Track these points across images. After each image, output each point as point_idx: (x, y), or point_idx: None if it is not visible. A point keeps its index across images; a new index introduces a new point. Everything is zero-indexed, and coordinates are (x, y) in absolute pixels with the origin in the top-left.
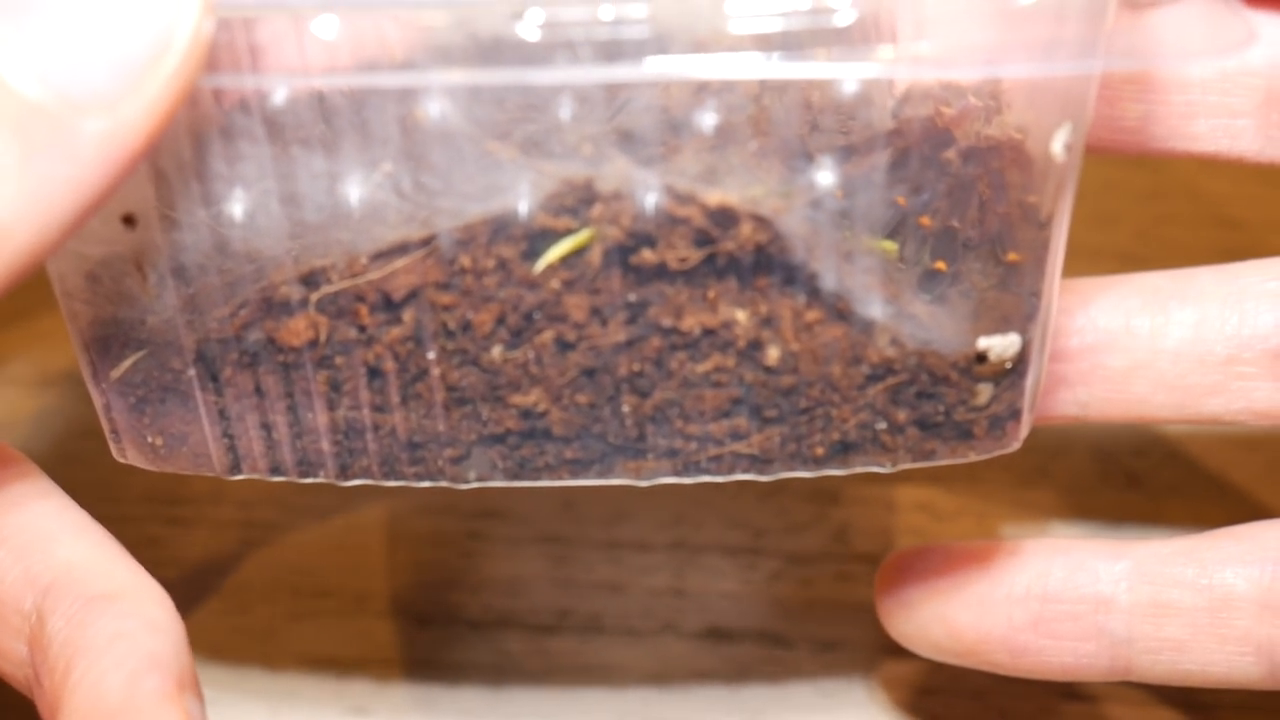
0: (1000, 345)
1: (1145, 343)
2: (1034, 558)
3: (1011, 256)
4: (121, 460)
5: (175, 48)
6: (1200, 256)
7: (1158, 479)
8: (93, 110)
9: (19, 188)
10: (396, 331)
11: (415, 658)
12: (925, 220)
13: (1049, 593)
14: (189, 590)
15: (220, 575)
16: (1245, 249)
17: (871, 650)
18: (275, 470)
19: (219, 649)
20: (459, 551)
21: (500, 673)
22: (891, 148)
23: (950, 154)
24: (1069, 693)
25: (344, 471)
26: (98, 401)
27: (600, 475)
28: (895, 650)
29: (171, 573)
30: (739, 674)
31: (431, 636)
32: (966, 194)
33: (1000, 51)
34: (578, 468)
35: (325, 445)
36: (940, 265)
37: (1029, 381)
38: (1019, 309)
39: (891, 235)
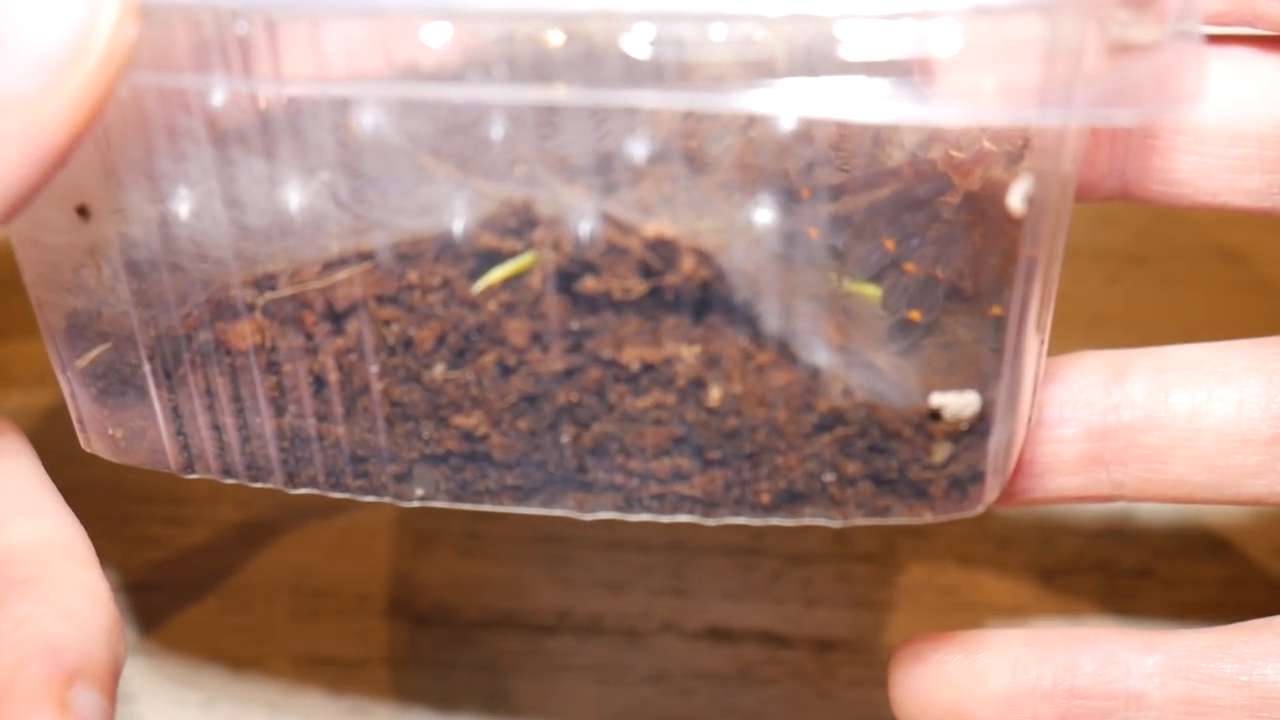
0: (956, 404)
1: (1185, 421)
2: (1060, 649)
3: (994, 310)
4: (87, 449)
5: (94, 48)
6: (1201, 257)
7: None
8: (13, 109)
9: None
10: (340, 342)
11: (415, 658)
12: (910, 267)
13: (1077, 688)
14: (189, 590)
15: (220, 575)
16: (1246, 249)
17: (871, 650)
18: (226, 472)
19: (219, 649)
20: (459, 551)
21: (500, 673)
22: (889, 188)
23: (947, 200)
24: (1070, 693)
25: (291, 479)
26: (65, 390)
27: (544, 505)
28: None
29: (171, 573)
30: (739, 674)
31: (431, 636)
32: (957, 242)
33: (961, 97)
34: (520, 495)
35: (273, 451)
36: (915, 315)
37: (994, 443)
38: (986, 366)
39: (876, 280)
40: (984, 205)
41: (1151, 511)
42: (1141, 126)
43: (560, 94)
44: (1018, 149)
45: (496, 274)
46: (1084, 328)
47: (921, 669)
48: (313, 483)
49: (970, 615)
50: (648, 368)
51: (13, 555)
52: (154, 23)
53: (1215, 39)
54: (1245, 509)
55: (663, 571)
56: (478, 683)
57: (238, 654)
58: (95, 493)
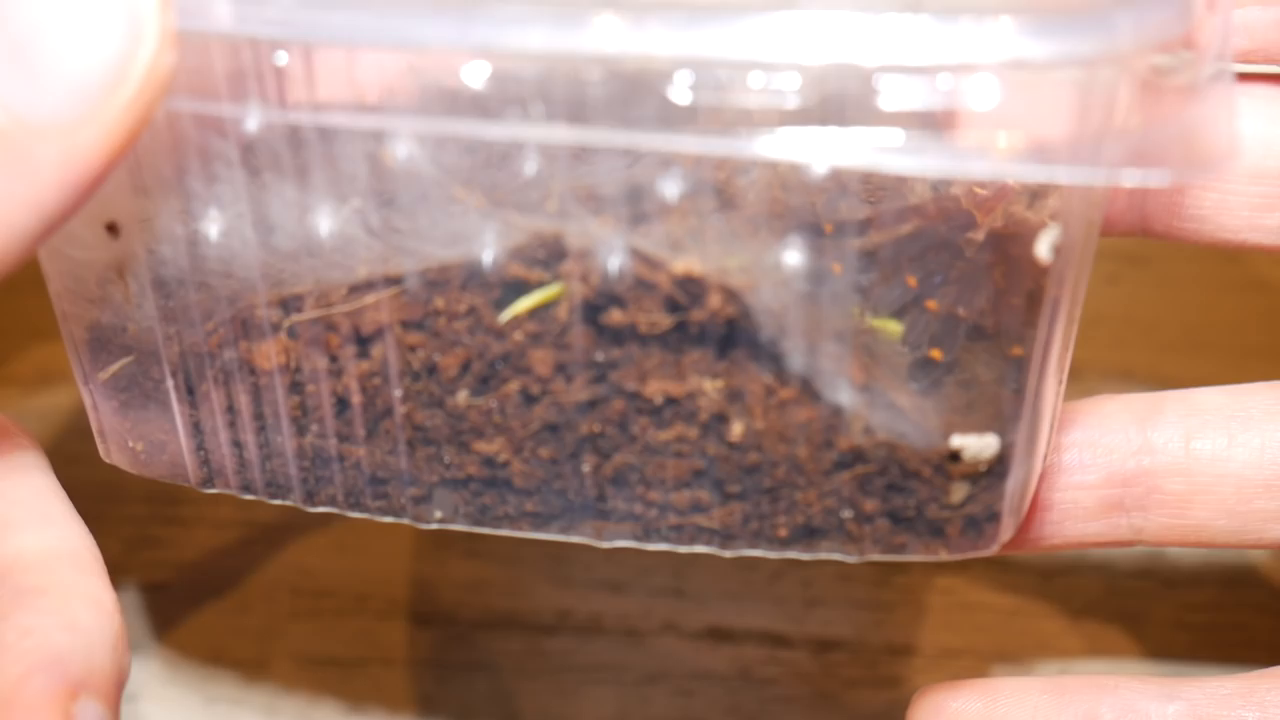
0: (976, 446)
1: (1208, 466)
2: (1079, 697)
3: (1015, 351)
4: (107, 460)
5: (132, 77)
6: (1201, 257)
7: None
8: (50, 136)
9: None
10: (365, 365)
11: (415, 658)
12: (932, 304)
13: None
14: (189, 590)
15: (220, 575)
16: (1244, 247)
17: (871, 650)
18: (246, 488)
19: (219, 649)
20: (459, 551)
21: (500, 673)
22: (911, 224)
23: (971, 237)
24: None
25: (310, 498)
26: (86, 401)
27: (562, 531)
28: (895, 650)
29: (171, 573)
30: (739, 674)
31: (431, 636)
32: (979, 281)
33: (987, 151)
34: (539, 521)
35: (293, 470)
36: (936, 354)
37: (1011, 484)
38: (1006, 407)
39: (898, 316)
40: (1007, 244)
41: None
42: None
43: (596, 136)
44: (1041, 186)
45: (524, 304)
46: (1084, 328)
47: (941, 718)
48: (332, 502)
49: (970, 615)
50: (671, 401)
51: (21, 564)
52: (191, 49)
53: (1239, 77)
54: None
55: (663, 571)
56: (478, 683)
57: (238, 654)
58: (95, 493)
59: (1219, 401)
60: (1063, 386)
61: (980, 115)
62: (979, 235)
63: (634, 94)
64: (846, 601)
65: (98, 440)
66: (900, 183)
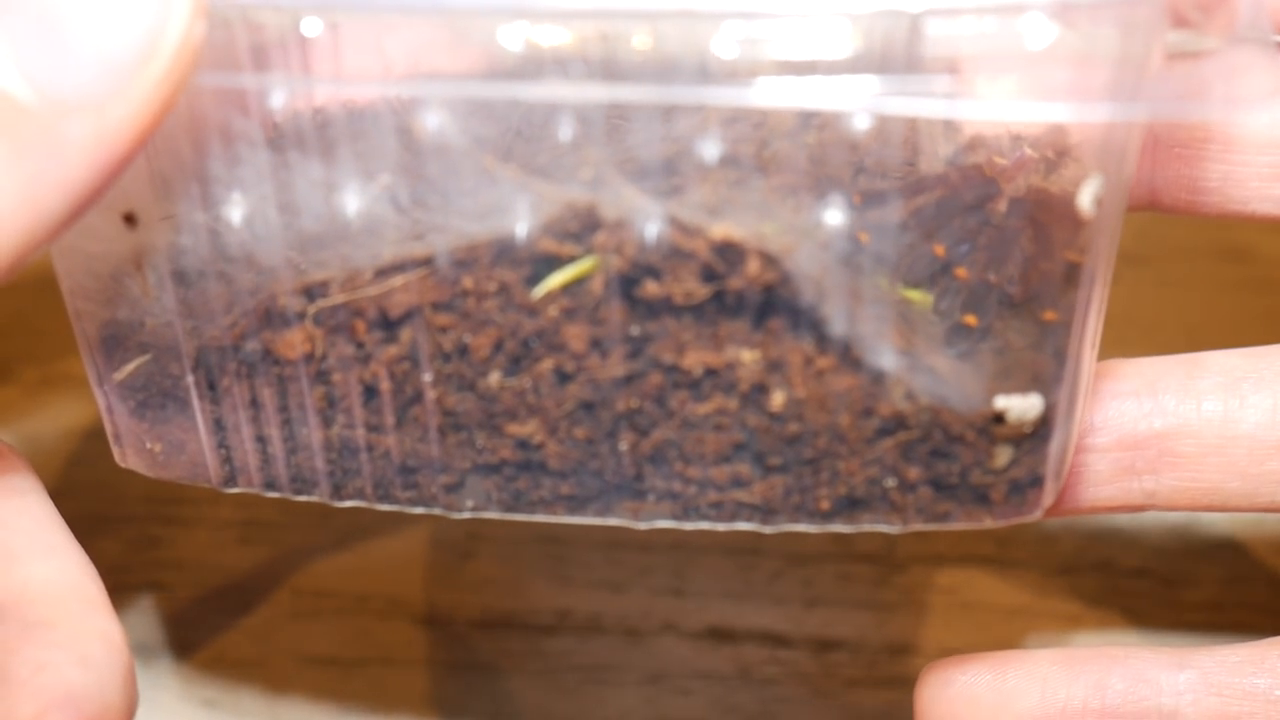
0: (1020, 406)
1: (1218, 428)
2: (1090, 668)
3: (1048, 315)
4: (122, 464)
5: (163, 51)
6: (1201, 257)
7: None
8: (80, 112)
9: (6, 186)
10: (393, 350)
11: (415, 658)
12: (962, 272)
13: (1107, 707)
14: (189, 590)
15: (220, 575)
16: (1245, 248)
17: (871, 650)
18: (270, 485)
19: (219, 649)
20: (459, 552)
21: (500, 673)
22: (935, 194)
23: (995, 205)
24: None
25: (338, 491)
26: (101, 403)
27: (598, 514)
28: (895, 650)
29: (171, 573)
30: (739, 674)
31: (431, 636)
32: (1008, 247)
33: (1030, 94)
34: (574, 504)
35: (319, 463)
36: (971, 319)
37: (1053, 447)
38: (1046, 370)
39: (927, 285)
40: (1032, 210)
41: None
42: (1171, 135)
43: (637, 93)
44: (1057, 155)
45: (557, 279)
46: None
47: (950, 691)
48: (360, 495)
49: (970, 615)
50: (709, 373)
51: (27, 596)
52: (215, 23)
53: None
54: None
55: (663, 571)
56: (478, 683)
57: (238, 654)
58: (95, 493)
59: (1230, 364)
60: (1095, 351)
61: (1026, 57)
62: (1003, 203)
63: (675, 51)
64: (846, 601)
65: (113, 444)
66: (917, 154)
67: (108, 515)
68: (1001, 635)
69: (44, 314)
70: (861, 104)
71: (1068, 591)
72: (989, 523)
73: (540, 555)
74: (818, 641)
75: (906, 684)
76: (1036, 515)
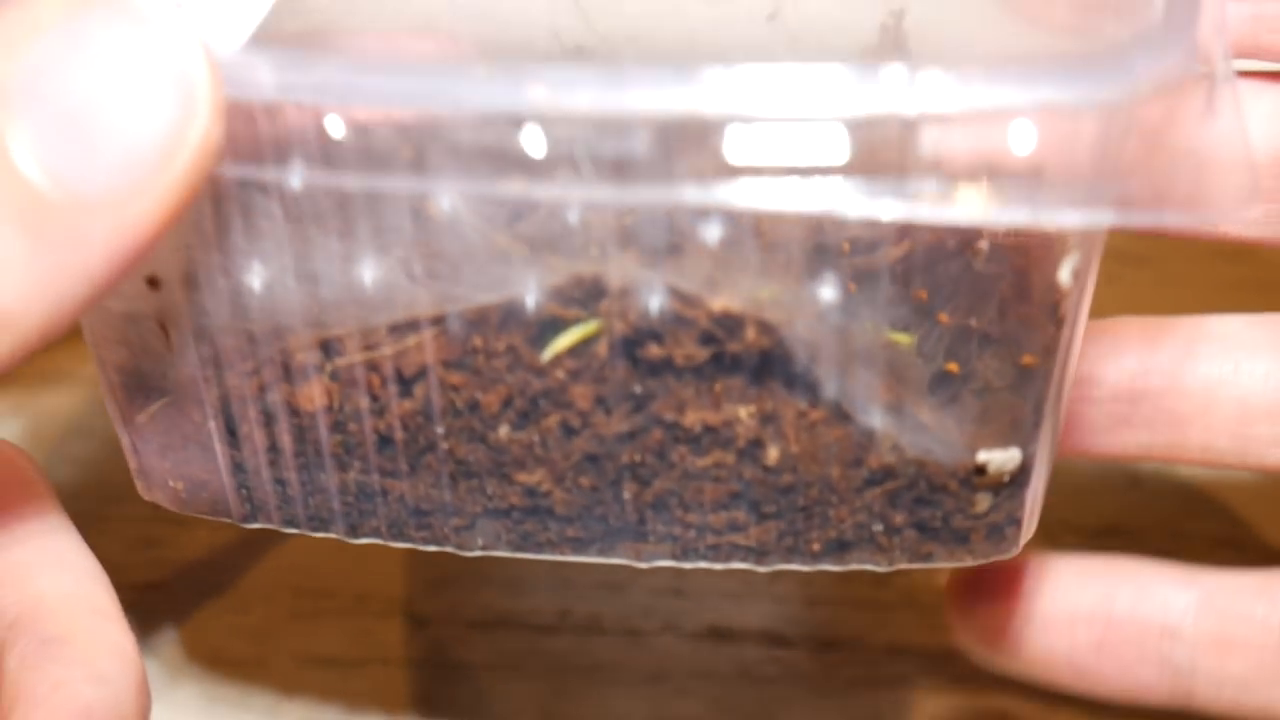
0: (1000, 459)
1: (1213, 389)
2: (1101, 578)
3: (1026, 359)
4: (147, 498)
5: (185, 150)
6: (1201, 257)
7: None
8: (101, 209)
9: (25, 277)
10: (407, 404)
11: (415, 658)
12: (944, 317)
13: (1114, 616)
14: (189, 590)
15: (220, 575)
16: (1245, 248)
17: (871, 650)
18: (289, 523)
19: (219, 649)
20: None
21: (500, 673)
22: (916, 241)
23: (977, 249)
24: (1070, 697)
25: (354, 530)
26: (124, 442)
27: (601, 554)
28: (895, 650)
29: (171, 573)
30: (739, 674)
31: (431, 636)
32: (988, 291)
33: (1010, 195)
34: (579, 545)
35: (336, 505)
36: (953, 367)
37: (1029, 493)
38: (1023, 421)
39: (908, 329)
40: (1014, 257)
41: (1151, 513)
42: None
43: (643, 194)
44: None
45: (563, 341)
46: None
47: (971, 590)
48: (375, 533)
49: None
50: (708, 429)
51: (43, 610)
52: (233, 114)
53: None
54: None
55: (663, 572)
56: (478, 683)
57: (238, 654)
58: (96, 493)
59: (1229, 329)
60: (1068, 392)
61: (1007, 161)
62: (985, 248)
63: (679, 150)
64: (846, 601)
65: (136, 479)
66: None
67: (108, 515)
68: None
69: None
70: (854, 207)
71: None
72: (969, 561)
73: None
74: (818, 641)
75: (906, 684)
76: (1015, 553)
